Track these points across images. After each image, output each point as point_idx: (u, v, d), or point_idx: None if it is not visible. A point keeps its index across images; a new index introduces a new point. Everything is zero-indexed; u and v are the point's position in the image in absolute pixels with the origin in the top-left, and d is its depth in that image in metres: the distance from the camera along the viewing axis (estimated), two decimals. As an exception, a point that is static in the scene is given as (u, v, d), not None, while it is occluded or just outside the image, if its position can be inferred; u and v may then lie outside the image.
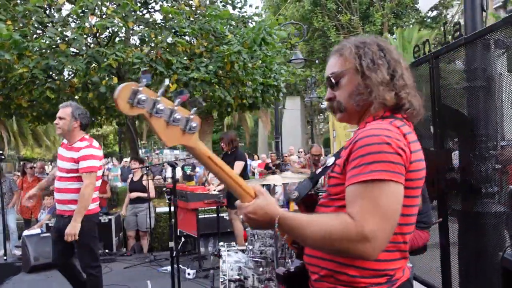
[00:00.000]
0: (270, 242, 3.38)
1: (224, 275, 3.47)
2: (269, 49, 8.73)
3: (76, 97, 7.29)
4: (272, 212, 1.34)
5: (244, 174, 6.19)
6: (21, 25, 6.91)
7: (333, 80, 1.51)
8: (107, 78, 6.82)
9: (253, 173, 15.31)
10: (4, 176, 9.10)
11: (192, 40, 8.09)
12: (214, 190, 6.27)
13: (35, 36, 7.08)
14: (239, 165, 6.03)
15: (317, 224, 1.30)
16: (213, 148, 32.88)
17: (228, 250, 3.62)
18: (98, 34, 7.30)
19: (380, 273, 1.36)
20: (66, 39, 6.71)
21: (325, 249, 1.32)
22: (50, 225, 6.70)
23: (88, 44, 7.28)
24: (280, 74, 8.93)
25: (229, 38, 7.76)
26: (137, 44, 7.68)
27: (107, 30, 7.28)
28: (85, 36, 7.04)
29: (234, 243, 4.09)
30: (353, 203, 1.28)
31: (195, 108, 1.23)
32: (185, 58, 7.60)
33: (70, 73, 7.34)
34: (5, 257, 7.01)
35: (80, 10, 6.73)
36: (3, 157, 7.71)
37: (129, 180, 7.99)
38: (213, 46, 7.78)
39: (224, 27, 7.87)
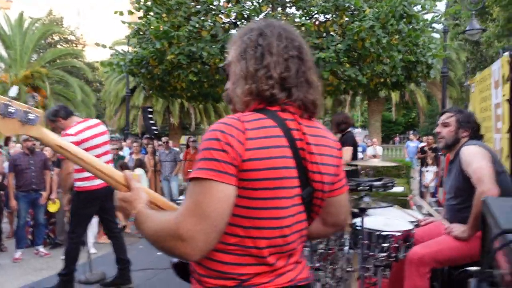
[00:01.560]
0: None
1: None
2: (417, 21, 7.96)
3: (217, 77, 7.93)
4: (133, 207, 1.39)
5: (355, 159, 5.81)
6: (173, 16, 7.85)
7: (225, 71, 1.49)
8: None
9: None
10: (170, 148, 10.58)
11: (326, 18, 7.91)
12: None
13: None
14: (346, 150, 5.66)
15: (153, 220, 1.31)
16: (384, 127, 31.46)
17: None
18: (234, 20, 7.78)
19: (227, 275, 1.29)
20: (207, 26, 7.33)
21: (158, 246, 1.31)
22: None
23: (225, 28, 7.79)
24: (428, 49, 8.07)
25: (366, 13, 7.35)
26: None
27: (241, 15, 7.64)
28: (222, 23, 7.59)
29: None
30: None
31: (31, 103, 1.35)
32: (317, 37, 7.53)
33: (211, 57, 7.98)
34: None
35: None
36: (156, 132, 8.90)
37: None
38: (348, 23, 7.48)
39: (361, 2, 7.46)
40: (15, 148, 8.23)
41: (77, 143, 3.91)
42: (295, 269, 1.38)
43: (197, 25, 7.30)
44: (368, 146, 15.31)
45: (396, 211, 3.60)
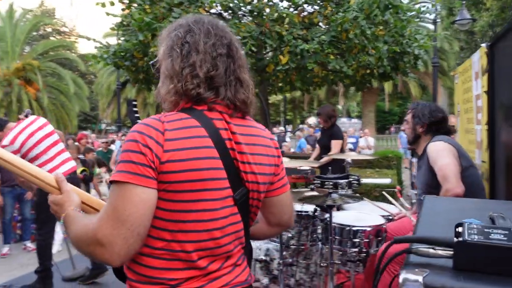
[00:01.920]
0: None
1: (251, 254, 3.44)
2: (403, 12, 7.89)
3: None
4: (63, 209, 1.36)
5: (342, 152, 5.78)
6: (156, 7, 7.73)
7: (157, 69, 1.44)
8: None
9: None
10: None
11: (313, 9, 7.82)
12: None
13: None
14: (336, 144, 5.64)
15: (77, 223, 1.28)
16: (379, 117, 31.42)
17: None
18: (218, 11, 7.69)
19: (156, 280, 1.25)
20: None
21: (80, 251, 1.26)
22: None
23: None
24: (414, 40, 7.99)
25: (351, 4, 7.27)
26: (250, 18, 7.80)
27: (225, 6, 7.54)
28: (206, 14, 7.47)
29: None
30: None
31: None
32: (302, 28, 7.45)
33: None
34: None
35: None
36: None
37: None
38: (332, 14, 7.40)
39: (345, -8, 7.39)
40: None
41: (18, 151, 3.88)
42: (232, 272, 1.34)
43: (179, 16, 7.19)
44: (361, 137, 15.30)
45: (370, 206, 3.57)
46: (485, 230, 0.80)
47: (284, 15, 7.08)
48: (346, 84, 8.89)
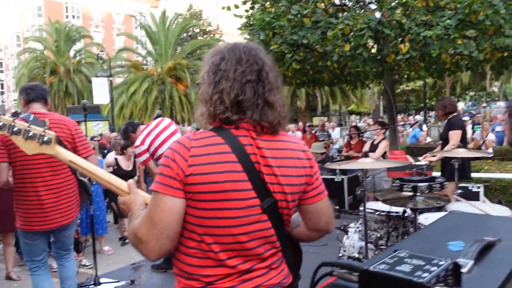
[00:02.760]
0: (375, 226, 3.18)
1: (344, 250, 3.50)
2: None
3: (320, 64, 7.92)
4: (130, 209, 1.64)
5: (463, 144, 5.34)
6: (277, 6, 8.02)
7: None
8: (339, 46, 7.10)
9: None
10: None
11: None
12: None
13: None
14: (453, 135, 5.27)
15: (133, 221, 1.53)
16: None
17: (357, 227, 3.56)
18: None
19: (193, 276, 1.46)
20: (305, 12, 7.34)
21: (132, 244, 1.52)
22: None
23: (324, 14, 7.67)
24: None
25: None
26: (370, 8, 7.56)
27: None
28: (323, 9, 7.52)
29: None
30: None
31: (45, 126, 1.71)
32: (427, 13, 6.97)
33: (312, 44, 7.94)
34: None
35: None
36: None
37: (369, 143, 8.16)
38: (461, -5, 6.76)
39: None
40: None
41: (147, 150, 4.42)
42: (266, 274, 1.49)
43: (297, 13, 7.36)
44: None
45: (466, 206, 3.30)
46: (403, 259, 0.84)
47: (404, 1, 6.73)
48: (482, 69, 8.03)
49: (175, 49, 28.46)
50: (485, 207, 3.19)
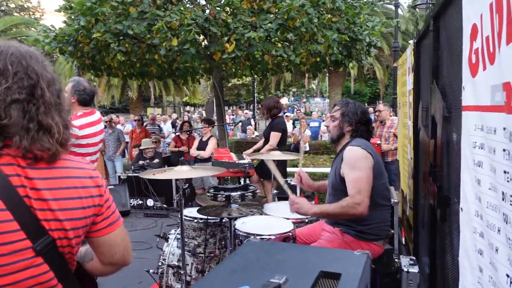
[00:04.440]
0: (193, 234, 3.16)
1: (164, 258, 3.38)
2: (356, -1, 7.77)
3: (147, 57, 7.59)
4: None
5: (281, 145, 5.74)
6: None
7: None
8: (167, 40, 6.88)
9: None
10: (113, 126, 10.24)
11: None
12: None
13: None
14: (273, 136, 5.64)
15: None
16: (350, 98, 31.57)
17: (177, 234, 3.47)
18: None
19: None
20: (130, 0, 6.92)
21: None
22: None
23: (151, 5, 7.38)
24: (365, 27, 7.91)
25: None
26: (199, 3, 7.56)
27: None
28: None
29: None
30: None
31: None
32: (251, 14, 7.25)
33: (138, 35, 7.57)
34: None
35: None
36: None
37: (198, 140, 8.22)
38: (281, 0, 7.20)
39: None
40: None
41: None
42: None
43: (121, 1, 6.89)
44: (324, 121, 15.32)
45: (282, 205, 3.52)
46: None
47: (230, 1, 6.86)
48: (300, 71, 8.75)
49: (-17, 25, 24.46)
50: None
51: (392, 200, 3.68)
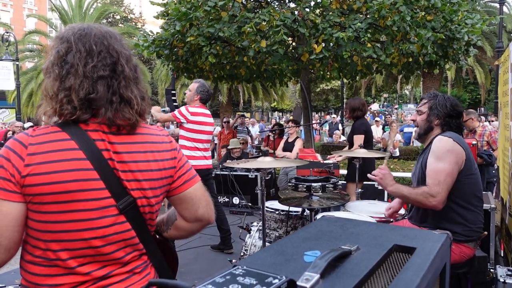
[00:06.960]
0: (274, 226, 3.17)
1: (245, 249, 3.45)
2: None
3: (236, 59, 7.83)
4: None
5: (367, 146, 5.55)
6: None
7: None
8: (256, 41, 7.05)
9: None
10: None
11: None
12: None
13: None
14: (356, 139, 5.50)
15: None
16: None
17: (260, 226, 3.52)
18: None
19: (38, 287, 1.30)
20: (219, 4, 7.19)
21: None
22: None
23: (242, 9, 7.59)
24: (463, 25, 7.41)
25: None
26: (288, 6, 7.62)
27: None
28: (241, 2, 7.43)
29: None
30: None
31: None
32: (341, 15, 7.17)
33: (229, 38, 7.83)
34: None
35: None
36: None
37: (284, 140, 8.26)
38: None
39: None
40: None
41: None
42: (127, 280, 1.37)
43: (214, 5, 7.20)
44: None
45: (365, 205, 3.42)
46: (236, 278, 0.74)
47: (319, 1, 6.85)
48: (391, 73, 8.45)
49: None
50: (378, 205, 3.30)
51: (489, 205, 3.42)
